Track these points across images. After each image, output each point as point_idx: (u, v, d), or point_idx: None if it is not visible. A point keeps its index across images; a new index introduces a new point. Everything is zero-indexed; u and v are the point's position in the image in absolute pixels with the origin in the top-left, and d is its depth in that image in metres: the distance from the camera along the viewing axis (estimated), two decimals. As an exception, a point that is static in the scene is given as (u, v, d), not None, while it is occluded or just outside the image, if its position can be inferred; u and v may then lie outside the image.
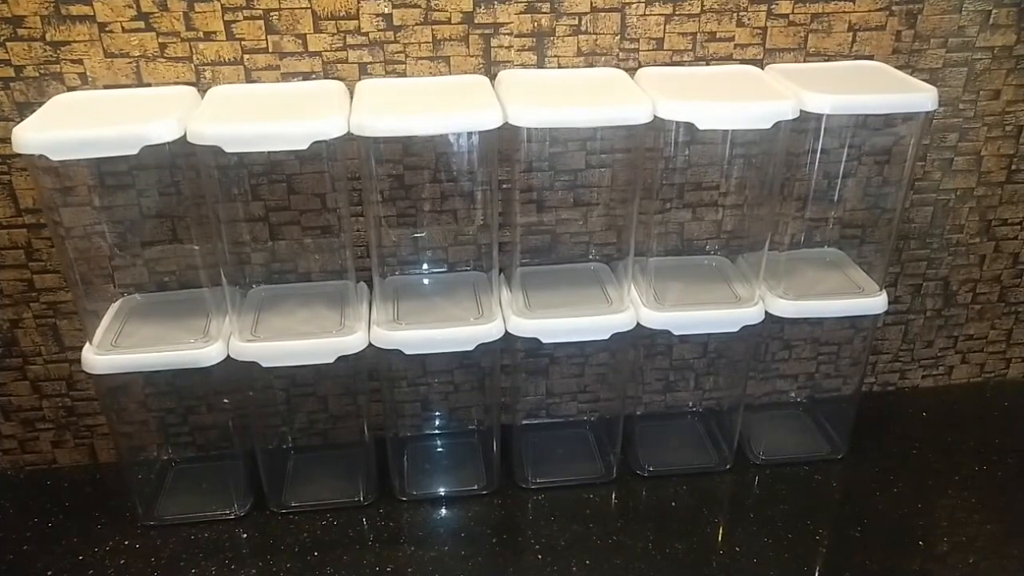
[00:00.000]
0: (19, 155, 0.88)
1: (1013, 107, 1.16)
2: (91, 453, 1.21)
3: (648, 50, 1.06)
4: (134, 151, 0.86)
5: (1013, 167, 1.21)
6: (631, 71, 1.05)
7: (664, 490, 1.16)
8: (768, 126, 0.95)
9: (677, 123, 0.97)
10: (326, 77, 1.02)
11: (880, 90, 1.01)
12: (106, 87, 0.98)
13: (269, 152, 1.03)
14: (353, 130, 0.89)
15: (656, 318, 1.05)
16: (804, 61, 1.09)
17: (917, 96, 0.99)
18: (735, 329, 1.08)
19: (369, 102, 0.94)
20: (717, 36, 1.06)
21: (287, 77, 1.01)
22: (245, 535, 1.09)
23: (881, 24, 1.08)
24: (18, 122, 0.96)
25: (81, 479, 1.19)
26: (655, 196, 1.12)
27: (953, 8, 1.09)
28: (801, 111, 0.96)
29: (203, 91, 0.99)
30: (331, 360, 1.00)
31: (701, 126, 0.95)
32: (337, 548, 1.06)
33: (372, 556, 1.05)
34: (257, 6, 0.97)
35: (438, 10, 1.00)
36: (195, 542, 1.07)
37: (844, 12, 1.07)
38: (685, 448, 1.25)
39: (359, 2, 0.98)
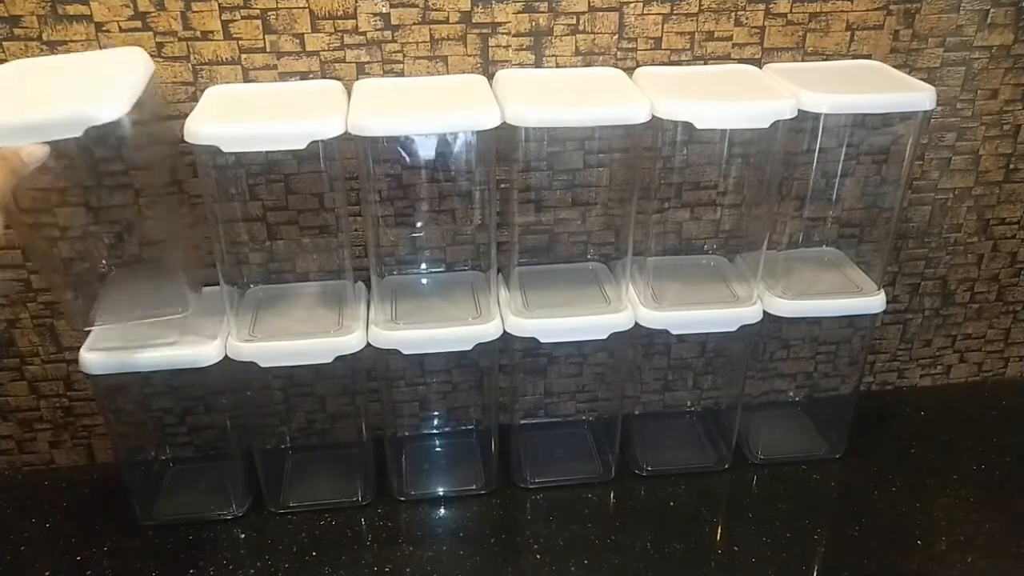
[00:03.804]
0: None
1: (1011, 106, 1.16)
2: (89, 453, 1.21)
3: (646, 49, 1.06)
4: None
5: (1011, 166, 1.21)
6: (629, 71, 1.05)
7: (662, 490, 1.16)
8: (766, 125, 0.95)
9: (675, 123, 0.97)
10: (324, 77, 1.02)
11: (878, 89, 1.01)
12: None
13: (267, 152, 1.03)
14: (351, 130, 0.89)
15: (654, 318, 1.05)
16: (802, 60, 1.09)
17: (915, 95, 0.99)
18: (733, 328, 1.08)
19: (367, 102, 0.94)
20: (715, 35, 1.06)
21: (284, 77, 1.01)
22: (243, 535, 1.09)
23: (879, 23, 1.08)
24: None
25: (79, 479, 1.19)
26: (653, 196, 1.12)
27: (951, 7, 1.09)
28: (799, 110, 0.96)
29: (200, 90, 0.99)
30: (329, 360, 1.00)
31: (699, 125, 0.95)
32: (335, 548, 1.06)
33: (370, 556, 1.05)
34: (255, 6, 0.97)
35: (436, 9, 1.00)
36: (193, 542, 1.07)
37: (842, 11, 1.07)
38: (683, 448, 1.25)
39: (356, 2, 0.98)
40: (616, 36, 1.04)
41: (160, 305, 0.96)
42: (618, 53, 1.06)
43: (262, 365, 1.00)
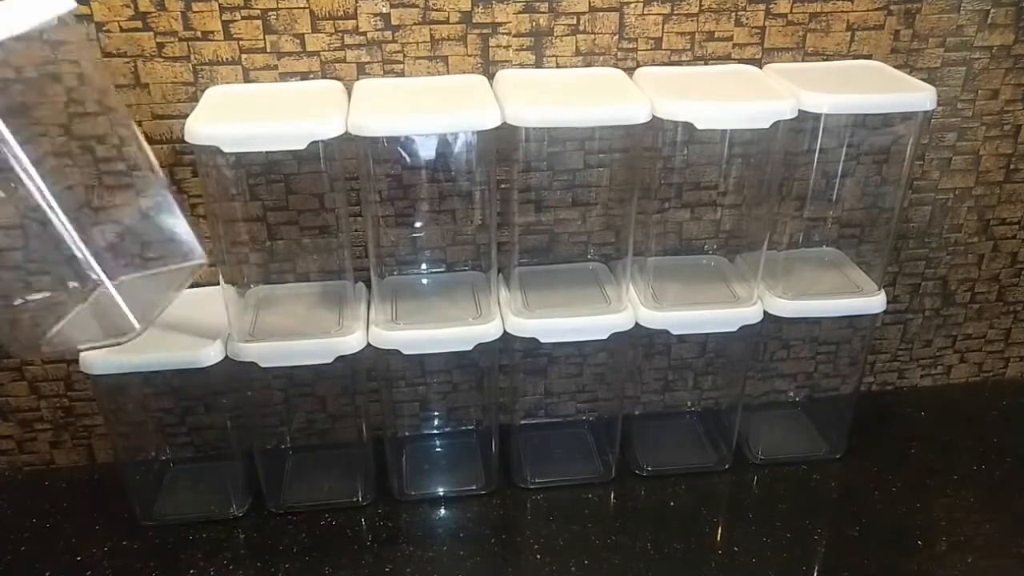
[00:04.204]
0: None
1: (1011, 106, 1.16)
2: (89, 454, 1.21)
3: (646, 50, 1.06)
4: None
5: (1011, 166, 1.21)
6: (629, 71, 1.05)
7: (663, 490, 1.16)
8: (766, 126, 0.95)
9: (675, 123, 0.97)
10: (324, 77, 1.02)
11: (878, 90, 1.01)
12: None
13: (267, 152, 1.03)
14: (351, 130, 0.89)
15: (654, 318, 1.05)
16: (802, 61, 1.09)
17: (915, 95, 0.99)
18: (734, 329, 1.08)
19: (367, 102, 0.94)
20: (715, 36, 1.06)
21: (285, 77, 1.01)
22: (243, 535, 1.09)
23: (879, 23, 1.08)
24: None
25: (79, 479, 1.18)
26: (653, 196, 1.12)
27: (951, 7, 1.09)
28: (799, 111, 0.96)
29: (200, 91, 0.99)
30: (329, 360, 1.00)
31: (699, 126, 0.95)
32: (336, 548, 1.06)
33: (370, 556, 1.05)
34: (255, 6, 0.97)
35: (436, 10, 1.00)
36: (193, 542, 1.07)
37: (842, 11, 1.07)
38: (684, 448, 1.25)
39: (357, 2, 0.98)
40: (616, 36, 1.04)
41: (109, 331, 0.84)
42: (618, 53, 1.06)
43: (262, 365, 1.00)
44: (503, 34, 1.02)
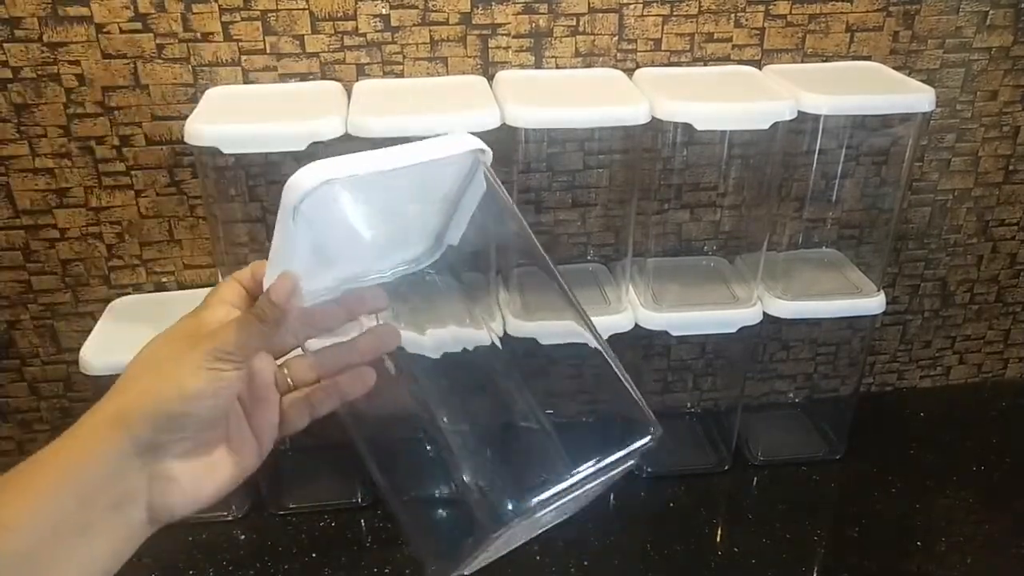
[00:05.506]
0: (12, 156, 0.88)
1: (1010, 108, 1.16)
2: (89, 455, 1.20)
3: (646, 51, 1.06)
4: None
5: (1010, 168, 1.21)
6: (629, 72, 1.05)
7: (662, 490, 1.16)
8: (766, 127, 0.95)
9: (675, 124, 0.97)
10: (324, 78, 1.02)
11: (878, 91, 1.01)
12: (104, 88, 0.98)
13: (267, 153, 1.03)
14: (351, 131, 0.89)
15: (654, 319, 1.05)
16: (802, 62, 1.09)
17: (914, 97, 0.99)
18: (733, 330, 1.08)
19: (367, 103, 0.94)
20: (715, 37, 1.06)
21: (284, 78, 1.01)
22: (243, 536, 1.09)
23: (878, 25, 1.08)
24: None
25: (79, 481, 1.18)
26: (653, 197, 1.12)
27: (950, 9, 1.09)
28: (799, 112, 0.96)
29: (200, 92, 0.99)
30: (329, 361, 1.00)
31: (699, 127, 0.95)
32: (335, 549, 1.06)
33: (370, 557, 1.05)
34: (255, 7, 0.97)
35: (436, 11, 1.00)
36: (193, 543, 1.07)
37: (841, 13, 1.07)
38: (683, 449, 1.24)
39: (356, 3, 0.98)
40: (616, 37, 1.04)
41: None
42: (618, 54, 1.06)
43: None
44: (502, 35, 1.02)
